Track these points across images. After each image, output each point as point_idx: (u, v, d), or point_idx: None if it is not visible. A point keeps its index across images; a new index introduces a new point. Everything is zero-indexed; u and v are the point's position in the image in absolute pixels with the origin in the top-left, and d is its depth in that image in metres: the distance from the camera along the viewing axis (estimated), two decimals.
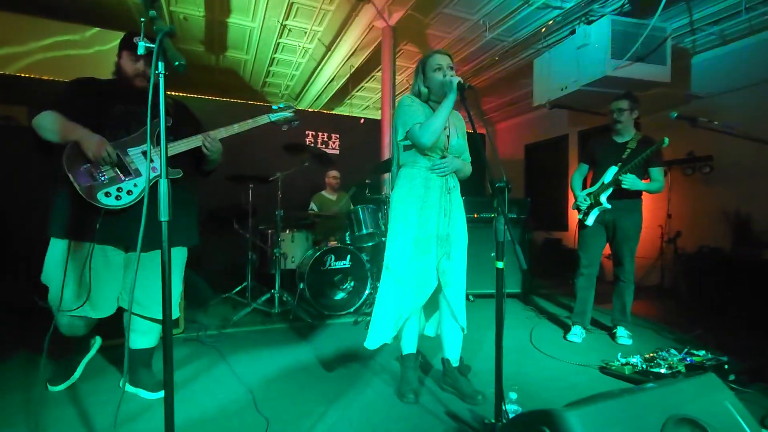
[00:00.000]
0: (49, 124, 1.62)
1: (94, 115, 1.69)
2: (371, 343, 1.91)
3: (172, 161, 1.68)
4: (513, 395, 1.67)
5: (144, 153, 1.69)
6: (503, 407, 1.44)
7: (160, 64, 0.90)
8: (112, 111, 1.74)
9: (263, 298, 3.51)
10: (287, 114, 2.05)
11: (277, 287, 3.49)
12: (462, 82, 1.74)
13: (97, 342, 2.17)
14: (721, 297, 3.73)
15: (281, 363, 2.41)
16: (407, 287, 1.86)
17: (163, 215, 0.98)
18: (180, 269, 1.95)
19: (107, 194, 1.61)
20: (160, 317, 1.62)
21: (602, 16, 3.91)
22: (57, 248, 1.70)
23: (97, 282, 1.70)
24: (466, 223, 2.02)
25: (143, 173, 1.68)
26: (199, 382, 2.12)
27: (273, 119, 2.00)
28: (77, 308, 1.69)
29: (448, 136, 1.93)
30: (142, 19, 0.96)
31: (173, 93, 4.70)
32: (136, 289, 1.72)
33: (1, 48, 3.98)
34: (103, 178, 1.62)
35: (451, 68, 1.91)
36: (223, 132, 1.85)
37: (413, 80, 2.03)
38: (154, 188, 1.60)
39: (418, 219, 1.88)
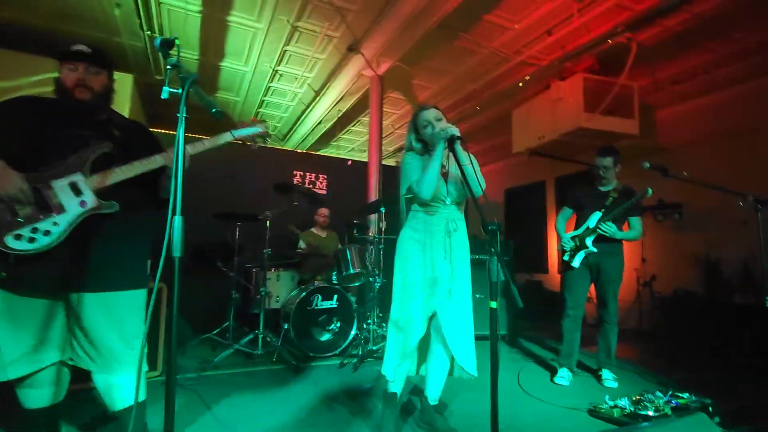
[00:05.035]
0: None
1: (36, 139, 1.47)
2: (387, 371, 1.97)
3: (113, 190, 1.48)
4: None
5: (71, 184, 1.44)
6: None
7: (183, 108, 0.95)
8: (57, 135, 1.50)
9: (246, 339, 3.40)
10: (253, 130, 1.77)
11: (261, 327, 3.39)
12: (454, 135, 1.78)
13: None
14: (698, 339, 3.83)
15: (266, 407, 2.32)
16: (408, 329, 1.91)
17: (176, 251, 0.97)
18: (136, 315, 1.59)
19: (18, 237, 1.34)
20: (119, 374, 1.51)
21: (575, 73, 4.25)
22: None
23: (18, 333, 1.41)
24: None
25: (68, 209, 1.42)
26: (177, 429, 2.00)
27: (236, 135, 1.73)
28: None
29: (446, 183, 1.99)
30: (168, 67, 0.99)
31: (159, 130, 4.75)
32: (83, 345, 1.49)
33: None
34: (15, 219, 1.35)
35: (439, 120, 1.99)
36: (190, 149, 1.59)
37: (407, 135, 2.13)
38: (85, 226, 1.43)
39: (422, 261, 1.94)
